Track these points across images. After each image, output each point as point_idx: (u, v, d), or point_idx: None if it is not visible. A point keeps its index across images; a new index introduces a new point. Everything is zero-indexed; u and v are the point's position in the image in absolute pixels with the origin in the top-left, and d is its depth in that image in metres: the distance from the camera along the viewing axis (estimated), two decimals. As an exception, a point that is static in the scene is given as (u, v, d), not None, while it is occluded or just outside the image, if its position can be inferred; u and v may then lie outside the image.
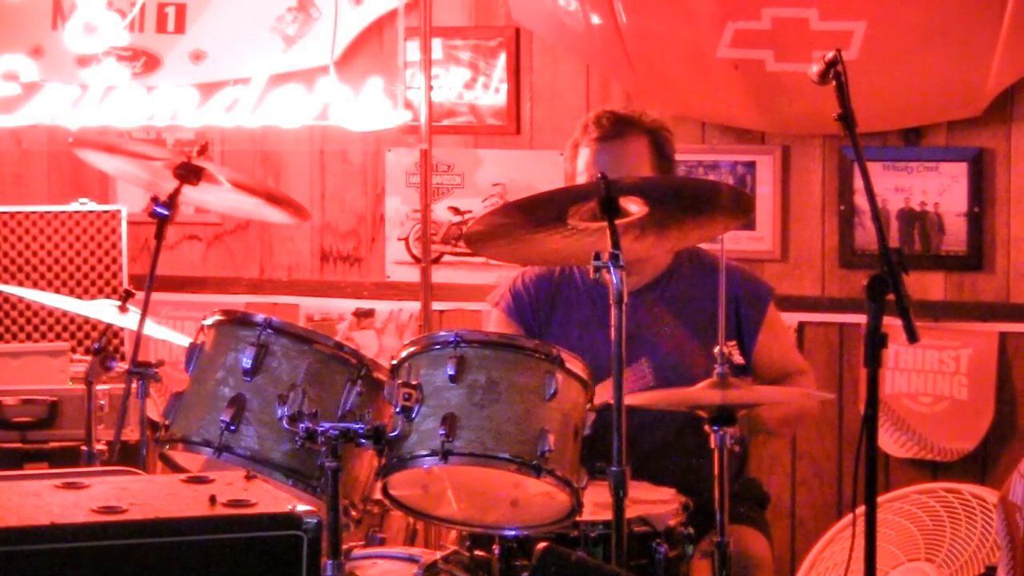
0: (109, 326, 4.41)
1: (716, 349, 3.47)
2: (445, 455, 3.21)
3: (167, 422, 3.46)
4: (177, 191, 4.16)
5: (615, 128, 3.97)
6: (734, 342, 3.56)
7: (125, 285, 5.25)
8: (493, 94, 5.46)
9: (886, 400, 5.02)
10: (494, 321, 4.15)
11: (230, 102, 5.40)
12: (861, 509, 3.30)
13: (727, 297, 3.51)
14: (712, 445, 3.40)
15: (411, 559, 3.45)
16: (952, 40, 4.77)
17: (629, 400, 3.32)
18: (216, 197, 4.38)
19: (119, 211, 5.57)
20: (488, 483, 3.40)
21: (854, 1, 4.86)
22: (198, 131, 5.56)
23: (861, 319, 3.26)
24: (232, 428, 3.33)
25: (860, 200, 5.02)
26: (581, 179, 3.97)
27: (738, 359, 3.56)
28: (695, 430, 3.52)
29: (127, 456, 4.37)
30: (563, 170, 4.07)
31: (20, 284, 5.43)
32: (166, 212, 4.14)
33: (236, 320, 3.49)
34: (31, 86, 5.53)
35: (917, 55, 4.82)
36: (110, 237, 5.54)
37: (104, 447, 4.40)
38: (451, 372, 3.26)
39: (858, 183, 4.98)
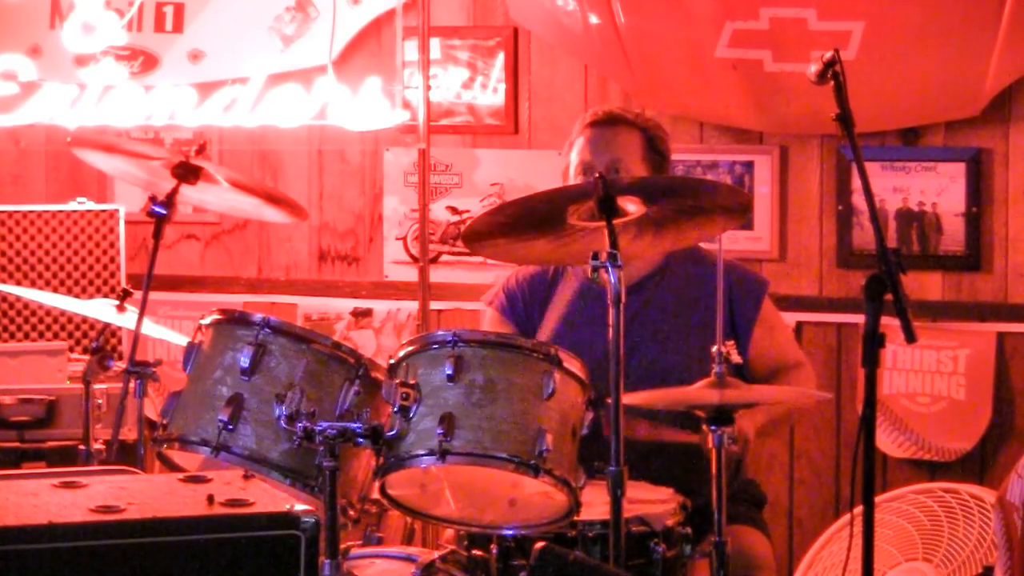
0: (107, 325, 4.41)
1: (714, 348, 3.47)
2: (443, 455, 3.21)
3: (165, 421, 3.46)
4: (175, 190, 4.17)
5: (609, 118, 4.04)
6: (732, 342, 3.56)
7: (123, 284, 5.24)
8: (491, 94, 5.46)
9: (884, 400, 5.02)
10: (488, 320, 4.15)
11: (228, 102, 5.40)
12: (859, 509, 3.31)
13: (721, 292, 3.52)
14: (709, 445, 3.41)
15: (409, 559, 3.45)
16: (950, 40, 4.78)
17: (628, 400, 3.32)
18: (214, 196, 4.38)
19: (117, 210, 5.56)
20: (486, 483, 3.40)
21: (852, 1, 4.86)
22: (196, 131, 5.56)
23: (859, 319, 3.25)
24: (230, 427, 3.33)
25: (858, 200, 5.02)
26: (575, 167, 4.01)
27: (736, 358, 3.56)
28: (690, 429, 3.52)
29: (125, 455, 4.37)
30: (560, 170, 4.10)
31: (18, 283, 5.43)
32: (164, 211, 4.14)
33: (234, 319, 3.49)
34: (29, 85, 5.53)
35: (915, 55, 4.82)
36: (108, 236, 5.54)
37: (102, 446, 4.40)
38: (449, 372, 3.26)
39: (856, 183, 4.98)
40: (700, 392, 3.46)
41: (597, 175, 3.44)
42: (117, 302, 4.35)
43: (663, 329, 3.99)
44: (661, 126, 4.12)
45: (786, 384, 3.99)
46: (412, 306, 5.47)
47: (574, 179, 4.00)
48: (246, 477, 2.80)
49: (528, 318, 4.08)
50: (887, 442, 5.01)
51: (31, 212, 5.55)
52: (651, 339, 3.97)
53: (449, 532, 3.62)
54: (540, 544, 3.19)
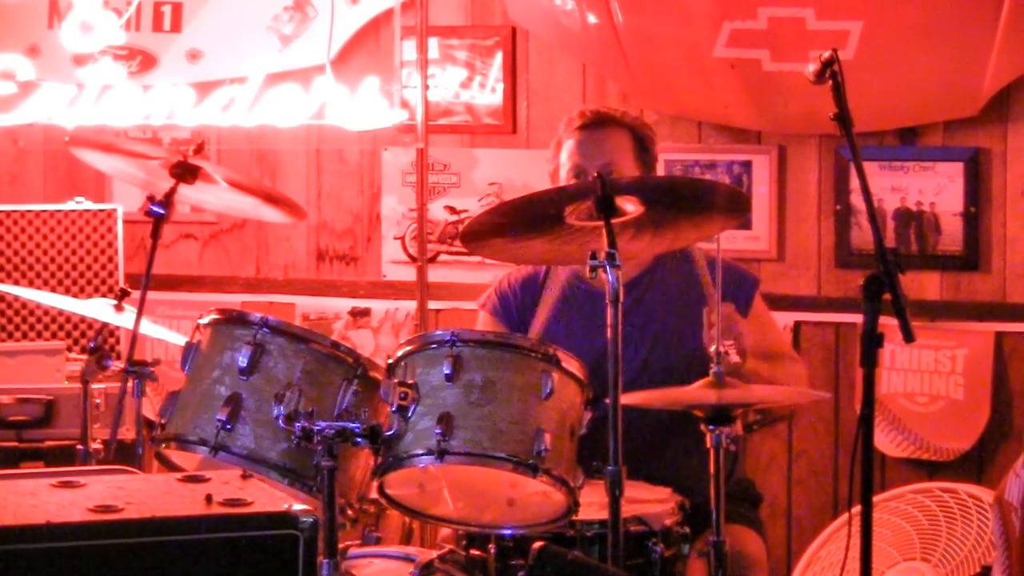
0: (105, 325, 4.41)
1: (712, 349, 3.47)
2: (441, 454, 3.21)
3: (163, 421, 3.46)
4: (173, 190, 4.17)
5: (597, 119, 4.03)
6: (731, 342, 3.55)
7: (121, 284, 5.23)
8: (489, 93, 5.46)
9: (882, 400, 5.02)
10: (481, 322, 4.16)
11: (226, 101, 5.40)
12: (857, 508, 3.31)
13: (711, 290, 3.51)
14: (708, 445, 3.41)
15: (407, 558, 3.45)
16: (949, 40, 4.78)
17: (626, 400, 3.31)
18: (212, 196, 4.38)
19: (115, 210, 5.56)
20: (484, 482, 3.40)
21: (850, 1, 4.86)
22: (194, 130, 5.55)
23: (857, 319, 3.26)
24: (228, 427, 3.34)
25: (856, 200, 5.02)
26: (564, 169, 4.01)
27: (735, 358, 3.56)
28: (685, 427, 3.51)
29: (123, 455, 4.37)
30: (547, 170, 4.10)
31: (16, 283, 5.42)
32: (162, 211, 4.14)
33: (232, 319, 3.49)
34: (27, 85, 5.53)
35: (913, 55, 4.82)
36: (106, 236, 5.54)
37: (100, 446, 4.40)
38: (447, 371, 3.26)
39: (854, 183, 4.97)
40: (698, 392, 3.46)
41: (596, 174, 3.44)
42: (115, 302, 4.35)
43: (655, 328, 3.99)
44: (648, 124, 4.12)
45: (777, 373, 3.97)
46: (410, 306, 5.47)
47: (565, 182, 3.99)
48: (244, 477, 2.80)
49: (521, 320, 4.07)
50: (885, 442, 5.01)
51: (29, 212, 5.55)
52: (643, 338, 3.96)
53: (446, 531, 3.62)
54: (538, 544, 3.19)
